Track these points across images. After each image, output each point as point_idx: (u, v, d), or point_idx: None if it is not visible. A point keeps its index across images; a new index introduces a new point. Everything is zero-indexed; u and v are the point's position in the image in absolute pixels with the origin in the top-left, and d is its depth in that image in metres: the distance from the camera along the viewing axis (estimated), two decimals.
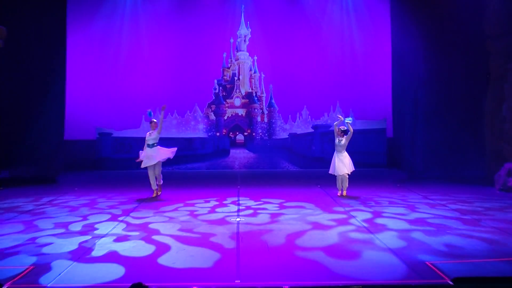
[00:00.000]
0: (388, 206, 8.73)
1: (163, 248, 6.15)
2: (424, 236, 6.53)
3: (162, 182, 9.97)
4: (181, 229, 7.13)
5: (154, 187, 9.78)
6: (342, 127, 9.77)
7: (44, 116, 12.80)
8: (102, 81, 14.88)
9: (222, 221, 7.68)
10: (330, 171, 9.85)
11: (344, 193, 9.85)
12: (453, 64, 12.83)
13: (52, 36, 12.96)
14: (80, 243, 6.41)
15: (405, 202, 9.15)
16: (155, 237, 6.71)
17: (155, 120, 9.75)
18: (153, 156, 9.54)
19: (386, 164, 14.95)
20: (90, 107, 14.81)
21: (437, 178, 12.31)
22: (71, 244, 6.36)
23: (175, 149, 9.82)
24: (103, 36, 14.90)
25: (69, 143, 14.20)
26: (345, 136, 9.70)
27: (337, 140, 9.72)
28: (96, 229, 7.16)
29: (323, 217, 7.84)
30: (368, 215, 7.96)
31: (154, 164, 9.59)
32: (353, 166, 9.79)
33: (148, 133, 9.75)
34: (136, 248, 6.15)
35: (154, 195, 9.80)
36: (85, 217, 7.98)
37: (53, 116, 13.05)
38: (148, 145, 9.62)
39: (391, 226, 7.13)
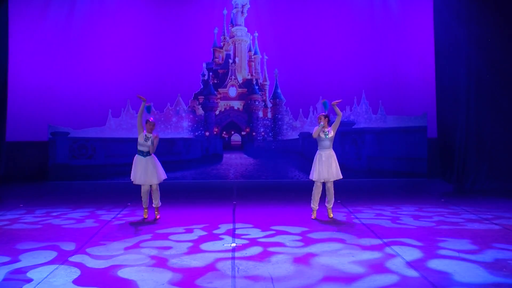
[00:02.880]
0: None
1: None
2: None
3: (160, 204, 9.19)
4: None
5: (146, 205, 9.10)
6: (323, 115, 8.67)
7: None
8: (56, 67, 14.63)
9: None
10: (316, 177, 8.64)
11: (330, 214, 8.94)
12: None
13: None
14: None
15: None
16: None
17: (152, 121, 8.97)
18: (157, 172, 8.96)
19: (427, 173, 14.61)
20: (41, 99, 14.55)
21: (492, 192, 11.84)
22: None
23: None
24: (57, 9, 14.75)
25: (12, 146, 13.91)
26: (331, 126, 8.74)
27: (323, 134, 8.61)
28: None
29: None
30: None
31: None
32: None
33: (143, 135, 8.79)
34: None
35: (146, 216, 9.08)
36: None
37: None
38: (142, 153, 8.86)
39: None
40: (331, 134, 8.61)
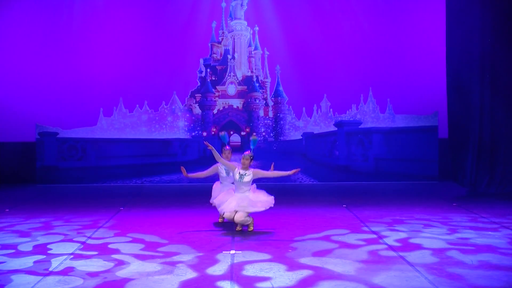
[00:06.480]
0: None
1: None
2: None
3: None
4: None
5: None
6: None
7: None
8: (44, 63, 14.54)
9: None
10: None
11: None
12: None
13: None
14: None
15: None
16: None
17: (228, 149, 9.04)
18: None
19: (438, 176, 14.58)
20: (27, 97, 14.50)
21: (507, 195, 11.98)
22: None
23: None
24: (45, 2, 14.71)
25: None
26: (252, 170, 8.05)
27: (238, 175, 8.00)
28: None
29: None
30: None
31: None
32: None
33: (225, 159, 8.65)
34: None
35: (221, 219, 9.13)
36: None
37: None
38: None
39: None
40: (249, 177, 7.94)
